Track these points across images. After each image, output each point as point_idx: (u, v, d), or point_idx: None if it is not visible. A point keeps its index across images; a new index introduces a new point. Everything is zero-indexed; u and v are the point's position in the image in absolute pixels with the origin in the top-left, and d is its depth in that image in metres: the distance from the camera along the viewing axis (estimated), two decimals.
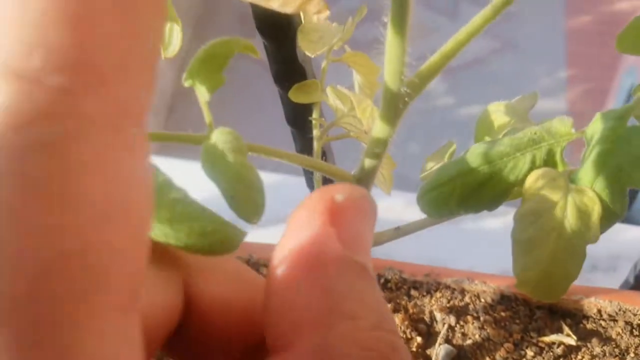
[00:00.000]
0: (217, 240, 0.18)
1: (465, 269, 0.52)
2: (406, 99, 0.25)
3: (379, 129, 0.26)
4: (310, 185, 0.44)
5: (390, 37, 0.23)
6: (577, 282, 0.27)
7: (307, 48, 0.31)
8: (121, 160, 0.11)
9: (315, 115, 0.36)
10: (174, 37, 0.24)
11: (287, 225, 0.16)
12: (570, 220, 0.24)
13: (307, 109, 0.37)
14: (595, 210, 0.24)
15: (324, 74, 0.36)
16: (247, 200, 0.20)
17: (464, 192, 0.26)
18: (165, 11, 0.12)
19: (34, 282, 0.10)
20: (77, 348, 0.10)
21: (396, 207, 0.68)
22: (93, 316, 0.11)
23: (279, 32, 0.32)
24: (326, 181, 0.42)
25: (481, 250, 0.61)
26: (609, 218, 0.24)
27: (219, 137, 0.22)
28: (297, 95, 0.35)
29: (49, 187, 0.10)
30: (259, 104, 1.83)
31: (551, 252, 0.23)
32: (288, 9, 0.23)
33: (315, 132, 0.37)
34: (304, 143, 0.40)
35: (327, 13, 0.23)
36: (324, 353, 0.14)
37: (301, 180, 0.46)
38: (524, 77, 2.14)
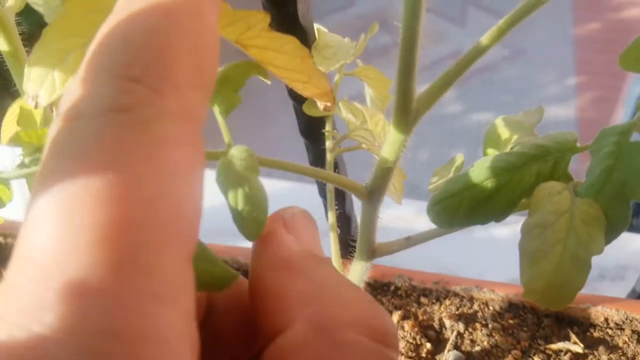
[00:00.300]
0: (208, 280, 0.20)
1: (474, 276, 0.52)
2: (417, 114, 0.26)
3: (390, 143, 0.27)
4: (323, 194, 0.45)
5: (401, 54, 0.24)
6: (584, 291, 0.27)
7: (321, 64, 0.33)
8: (185, 138, 0.15)
9: (328, 127, 0.37)
10: None
11: (253, 247, 0.21)
12: (575, 232, 0.25)
13: (320, 122, 0.38)
14: (600, 223, 0.25)
15: (336, 88, 0.37)
16: (250, 218, 0.21)
17: (472, 204, 0.27)
18: (217, 64, 0.17)
19: (126, 215, 0.14)
20: (157, 269, 0.14)
21: (407, 215, 0.69)
22: (165, 251, 0.14)
23: None
24: (338, 191, 0.43)
25: (490, 257, 0.62)
26: (613, 230, 0.25)
27: (235, 155, 0.23)
28: (310, 109, 0.36)
29: (142, 150, 0.14)
30: (274, 115, 1.85)
31: (557, 263, 0.24)
32: (307, 94, 0.27)
33: (328, 144, 0.38)
34: (316, 154, 0.41)
35: (333, 107, 0.27)
36: (321, 324, 0.17)
37: (313, 187, 0.47)
38: (534, 85, 2.15)
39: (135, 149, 0.14)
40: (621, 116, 1.65)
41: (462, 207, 0.27)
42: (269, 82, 0.26)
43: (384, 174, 0.28)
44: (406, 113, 0.25)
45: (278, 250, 0.20)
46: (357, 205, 0.41)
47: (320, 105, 0.29)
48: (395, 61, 0.24)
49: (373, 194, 0.29)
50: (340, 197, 0.44)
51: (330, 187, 0.40)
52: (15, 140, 0.22)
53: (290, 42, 0.24)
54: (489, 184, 0.27)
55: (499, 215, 0.27)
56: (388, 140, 0.26)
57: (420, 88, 0.25)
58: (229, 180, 0.22)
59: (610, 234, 0.25)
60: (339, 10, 2.31)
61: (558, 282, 0.25)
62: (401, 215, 0.68)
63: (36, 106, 0.17)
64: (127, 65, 0.15)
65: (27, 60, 0.19)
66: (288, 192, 0.72)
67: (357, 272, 0.33)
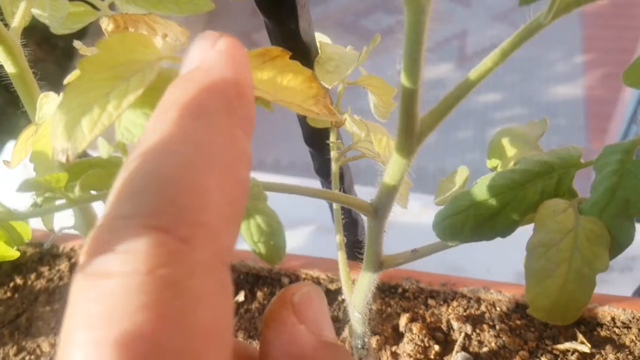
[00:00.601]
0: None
1: (481, 270, 0.53)
2: (420, 136, 0.26)
3: (394, 163, 0.27)
4: (327, 189, 0.45)
5: (403, 79, 0.24)
6: None
7: (324, 79, 0.33)
8: (216, 292, 0.15)
9: (332, 138, 0.37)
10: None
11: (262, 333, 0.20)
12: (580, 251, 0.25)
13: (324, 132, 0.38)
14: (604, 241, 0.25)
15: (340, 98, 0.37)
16: (269, 245, 0.22)
17: (477, 221, 0.27)
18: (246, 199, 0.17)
19: None
20: None
21: (413, 209, 0.69)
22: None
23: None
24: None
25: (497, 251, 0.62)
26: (617, 247, 0.25)
27: None
28: (314, 120, 0.36)
29: (176, 317, 0.14)
30: (282, 122, 1.84)
31: (562, 283, 0.25)
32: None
33: (333, 154, 0.38)
34: (321, 162, 0.41)
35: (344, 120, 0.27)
36: None
37: (316, 183, 0.47)
38: (541, 64, 2.13)
39: (167, 318, 0.14)
40: (629, 94, 1.63)
41: (467, 224, 0.28)
42: (272, 110, 0.26)
43: (389, 192, 0.28)
44: (410, 136, 0.25)
45: (289, 345, 0.20)
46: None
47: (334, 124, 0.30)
48: (399, 44, 0.24)
49: (378, 211, 0.30)
50: None
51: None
52: (29, 185, 0.22)
53: (293, 79, 0.24)
54: (494, 201, 0.27)
55: (504, 231, 0.28)
56: (392, 161, 0.27)
57: (425, 68, 0.25)
58: None
59: (615, 250, 0.25)
60: None
61: (563, 300, 0.25)
62: (408, 210, 0.69)
63: (67, 160, 0.18)
64: (157, 213, 0.14)
65: (51, 119, 0.19)
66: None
67: (365, 283, 0.34)
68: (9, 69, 0.33)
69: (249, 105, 0.17)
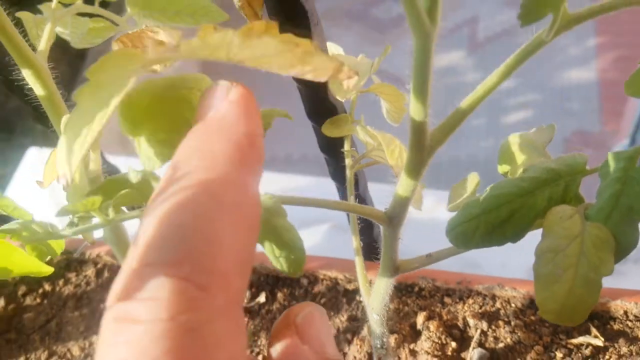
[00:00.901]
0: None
1: (496, 265, 0.54)
2: (431, 150, 0.27)
3: (407, 175, 0.28)
4: (343, 194, 0.46)
5: (412, 100, 0.25)
6: (605, 282, 0.28)
7: (338, 92, 0.34)
8: (232, 332, 0.16)
9: (346, 146, 0.38)
10: None
11: (268, 353, 0.22)
12: (586, 256, 0.26)
13: (338, 140, 0.39)
14: (610, 246, 0.26)
15: (353, 106, 0.38)
16: (289, 259, 0.23)
17: (488, 228, 0.28)
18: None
19: None
20: None
21: (427, 205, 0.70)
22: None
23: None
24: (359, 197, 0.45)
25: (512, 247, 0.63)
26: (622, 251, 0.27)
27: (262, 205, 0.24)
28: (329, 130, 0.37)
29: None
30: (296, 128, 1.85)
31: (569, 288, 0.26)
32: (321, 78, 0.25)
33: (348, 161, 0.39)
34: (336, 168, 0.43)
35: (356, 77, 0.26)
36: None
37: (330, 181, 0.48)
38: (553, 48, 2.11)
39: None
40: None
41: (478, 231, 0.29)
42: (292, 119, 0.27)
43: (403, 202, 0.30)
44: (420, 150, 0.27)
45: None
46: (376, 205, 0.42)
47: (345, 83, 0.29)
48: (408, 34, 0.25)
49: (393, 220, 0.31)
50: (362, 204, 0.46)
51: (351, 200, 0.41)
52: (68, 211, 0.24)
53: (270, 43, 0.23)
54: (504, 209, 0.28)
55: (514, 237, 0.29)
56: (404, 174, 0.28)
57: (436, 56, 0.26)
58: (262, 231, 0.24)
59: (619, 255, 0.27)
60: None
61: (571, 304, 0.26)
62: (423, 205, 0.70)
63: (66, 183, 0.19)
64: (177, 263, 0.16)
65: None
66: (309, 187, 0.74)
67: (382, 287, 0.35)
68: (38, 91, 0.35)
69: (259, 152, 0.19)
